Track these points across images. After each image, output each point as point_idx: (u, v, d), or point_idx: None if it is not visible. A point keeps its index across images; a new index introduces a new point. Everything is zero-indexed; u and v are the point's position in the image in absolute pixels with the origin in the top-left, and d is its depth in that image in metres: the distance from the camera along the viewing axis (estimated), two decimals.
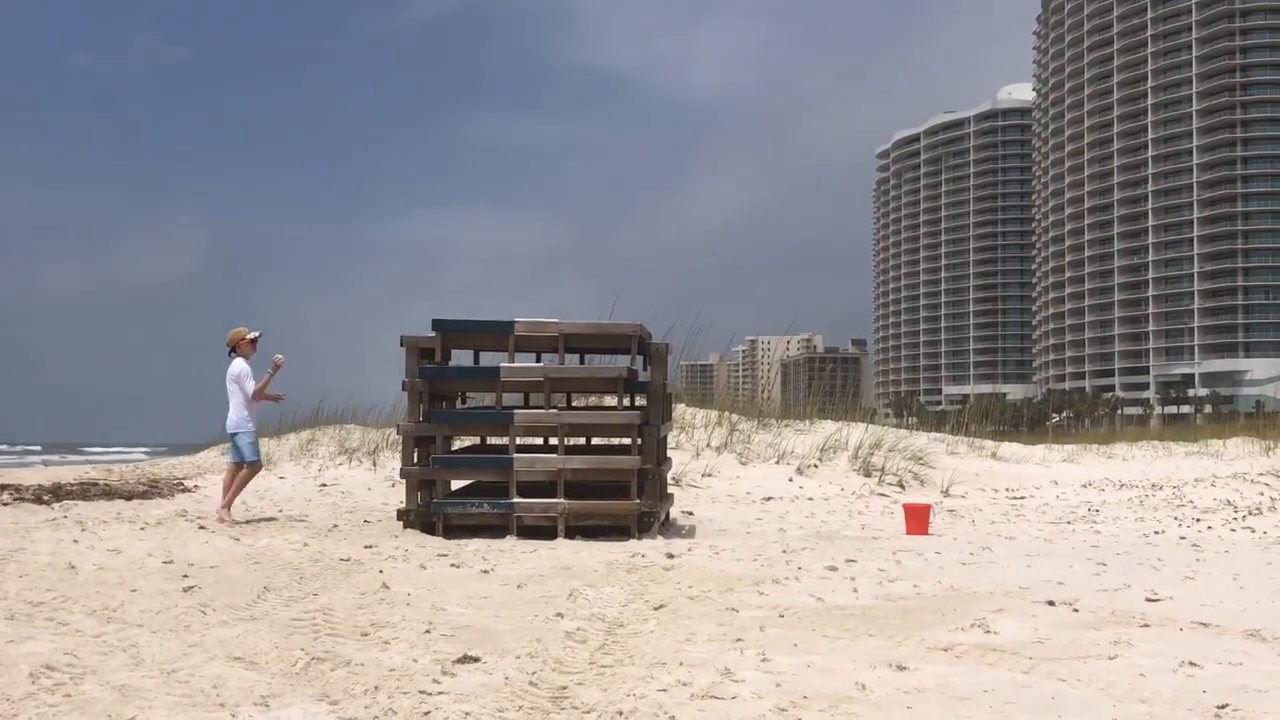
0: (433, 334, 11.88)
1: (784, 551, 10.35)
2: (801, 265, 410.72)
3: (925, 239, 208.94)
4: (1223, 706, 5.03)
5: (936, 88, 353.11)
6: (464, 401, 13.64)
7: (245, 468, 12.89)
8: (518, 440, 11.88)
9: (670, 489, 13.88)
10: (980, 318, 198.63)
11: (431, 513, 11.48)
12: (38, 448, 71.40)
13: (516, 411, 11.95)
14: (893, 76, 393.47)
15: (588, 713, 4.80)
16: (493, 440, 13.24)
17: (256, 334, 13.08)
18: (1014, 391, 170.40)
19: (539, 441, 12.70)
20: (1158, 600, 7.97)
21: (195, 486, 17.41)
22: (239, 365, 12.87)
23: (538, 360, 12.48)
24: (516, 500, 11.33)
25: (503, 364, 11.85)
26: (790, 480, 17.83)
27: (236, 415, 12.82)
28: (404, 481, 12.15)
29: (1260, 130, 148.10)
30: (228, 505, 12.77)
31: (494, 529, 11.29)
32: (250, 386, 12.80)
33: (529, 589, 8.10)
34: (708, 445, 19.57)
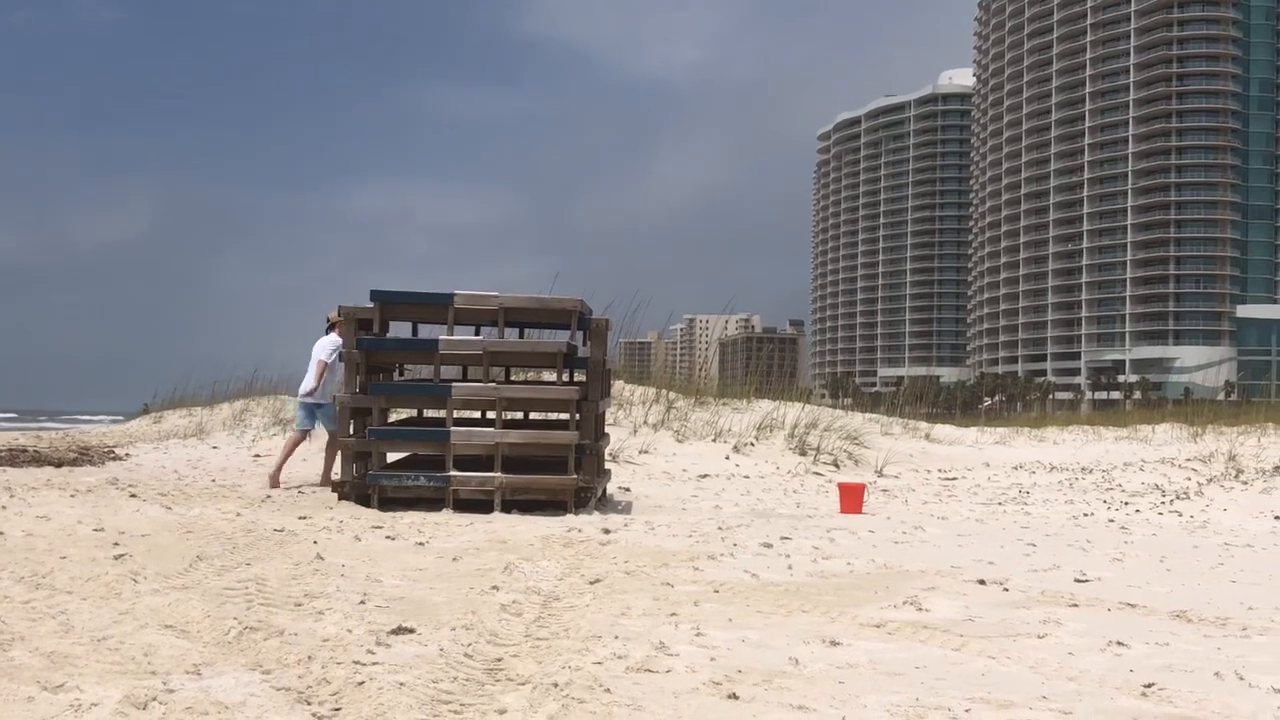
0: (371, 305, 11.79)
1: (719, 528, 10.39)
2: (748, 245, 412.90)
3: (864, 221, 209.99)
4: (1149, 685, 5.12)
5: (883, 71, 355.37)
6: (401, 374, 13.57)
7: (293, 433, 13.80)
8: (455, 413, 11.83)
9: (608, 465, 13.89)
10: (916, 300, 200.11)
11: (367, 485, 11.40)
12: (13, 414, 69.96)
13: (454, 385, 11.89)
14: (848, 59, 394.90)
15: (523, 684, 4.80)
16: (430, 413, 13.17)
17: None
18: (948, 374, 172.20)
19: (476, 415, 12.66)
20: (1086, 581, 8.09)
21: (126, 455, 17.20)
22: (327, 340, 13.51)
23: (477, 334, 12.42)
24: (453, 473, 11.28)
25: (441, 337, 11.79)
26: (727, 458, 17.89)
27: (306, 384, 13.54)
28: (339, 453, 12.06)
29: (1194, 121, 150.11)
30: (274, 471, 13.46)
31: (430, 502, 11.24)
32: (325, 360, 13.42)
33: (464, 562, 8.09)
34: (645, 422, 19.60)
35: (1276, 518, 12.95)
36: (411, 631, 5.71)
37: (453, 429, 11.56)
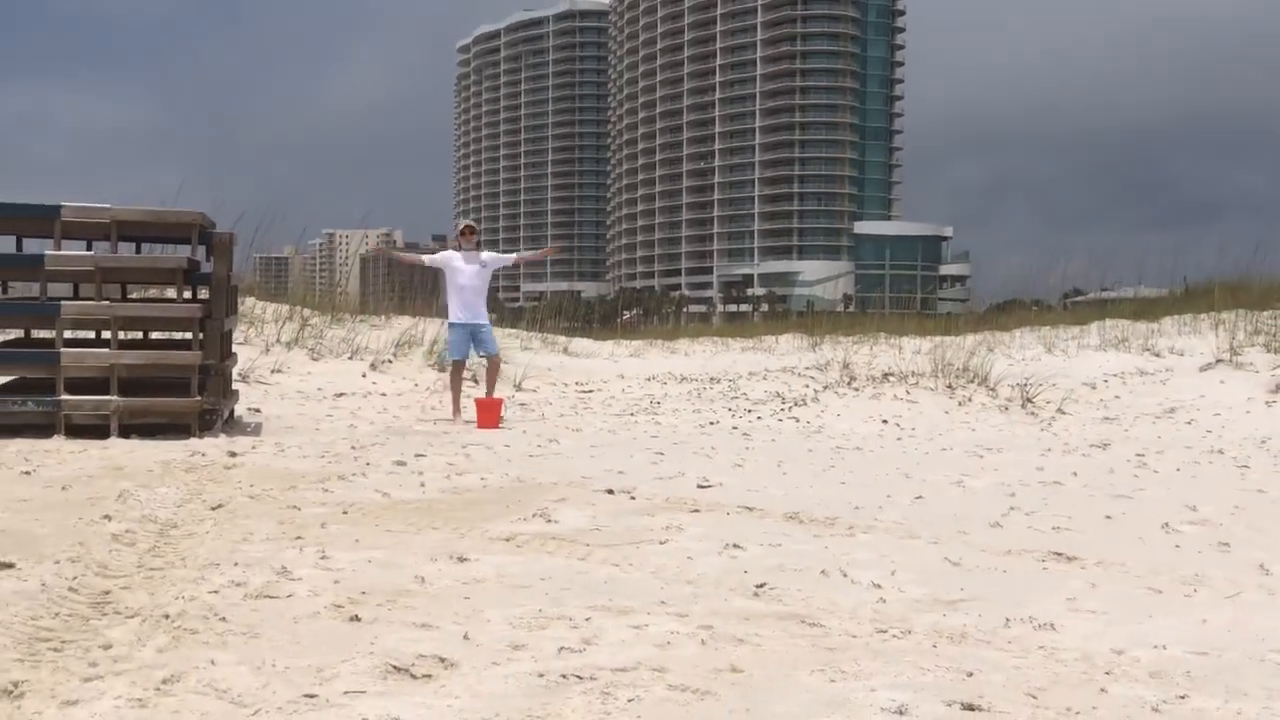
0: None
1: (353, 448, 10.22)
2: (402, 158, 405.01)
3: (505, 137, 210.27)
4: (761, 586, 5.36)
5: None
6: (5, 292, 12.63)
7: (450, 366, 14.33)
8: (67, 335, 11.11)
9: (236, 385, 13.39)
10: (558, 217, 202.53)
11: None
12: None
13: (64, 303, 11.15)
14: None
15: (132, 617, 4.57)
16: (39, 334, 12.32)
17: (463, 224, 14.35)
18: (589, 289, 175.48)
19: (92, 335, 11.94)
20: (709, 486, 8.40)
21: None
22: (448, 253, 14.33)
23: (89, 249, 11.67)
24: (64, 397, 10.61)
25: (48, 251, 11.01)
26: (364, 376, 17.62)
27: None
28: None
29: (817, 44, 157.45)
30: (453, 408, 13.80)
31: (39, 428, 10.53)
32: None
33: (75, 491, 7.62)
34: (278, 340, 19.02)
35: (884, 421, 13.85)
36: (10, 566, 5.33)
37: (63, 350, 10.85)
